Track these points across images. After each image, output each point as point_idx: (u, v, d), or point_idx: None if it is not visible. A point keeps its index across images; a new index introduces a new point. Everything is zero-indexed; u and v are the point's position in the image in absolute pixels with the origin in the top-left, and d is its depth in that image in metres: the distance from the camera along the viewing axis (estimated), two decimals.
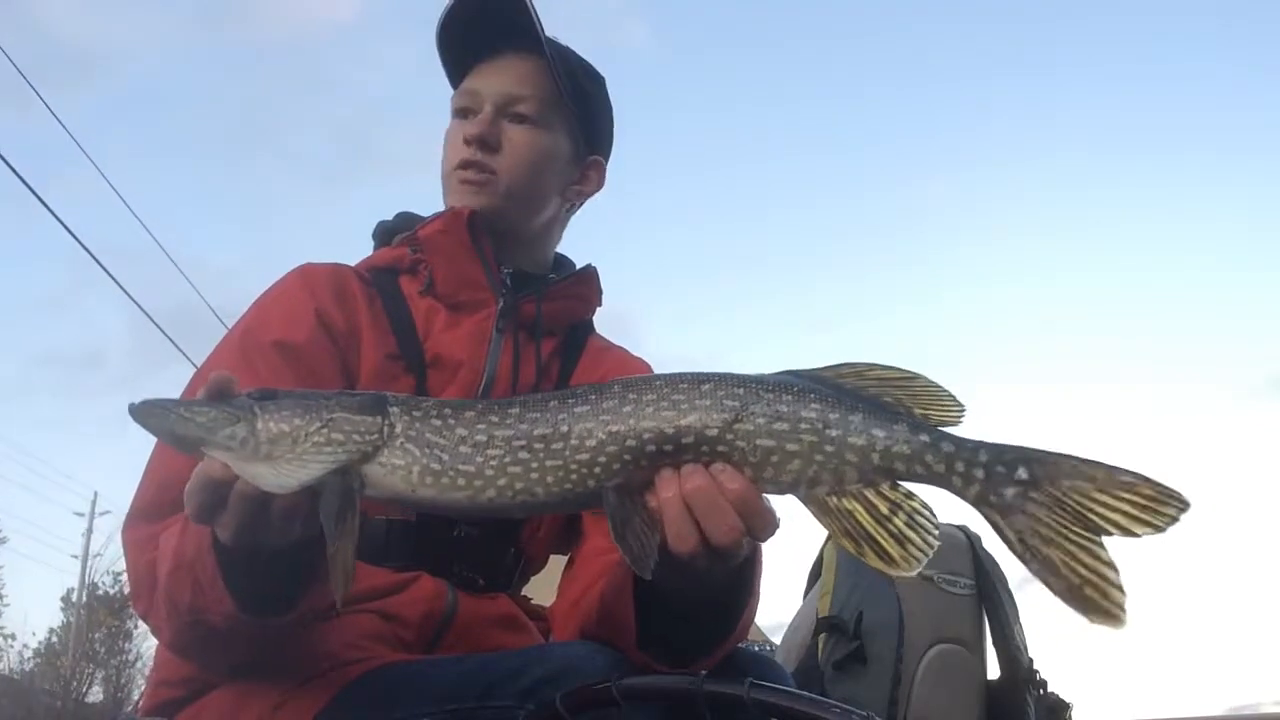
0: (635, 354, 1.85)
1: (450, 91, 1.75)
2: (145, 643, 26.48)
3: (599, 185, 1.84)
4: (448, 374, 1.62)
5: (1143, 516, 1.01)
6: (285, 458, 1.06)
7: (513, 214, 1.70)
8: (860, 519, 1.07)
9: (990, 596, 2.97)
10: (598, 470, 1.09)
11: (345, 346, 1.57)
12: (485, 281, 1.66)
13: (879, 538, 1.06)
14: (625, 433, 1.09)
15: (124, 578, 26.18)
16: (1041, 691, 2.94)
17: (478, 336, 1.64)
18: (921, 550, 1.05)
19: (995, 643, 2.97)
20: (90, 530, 30.36)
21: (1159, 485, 1.01)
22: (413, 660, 1.38)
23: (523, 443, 1.10)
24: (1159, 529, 1.01)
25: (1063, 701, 2.97)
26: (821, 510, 1.09)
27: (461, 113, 1.72)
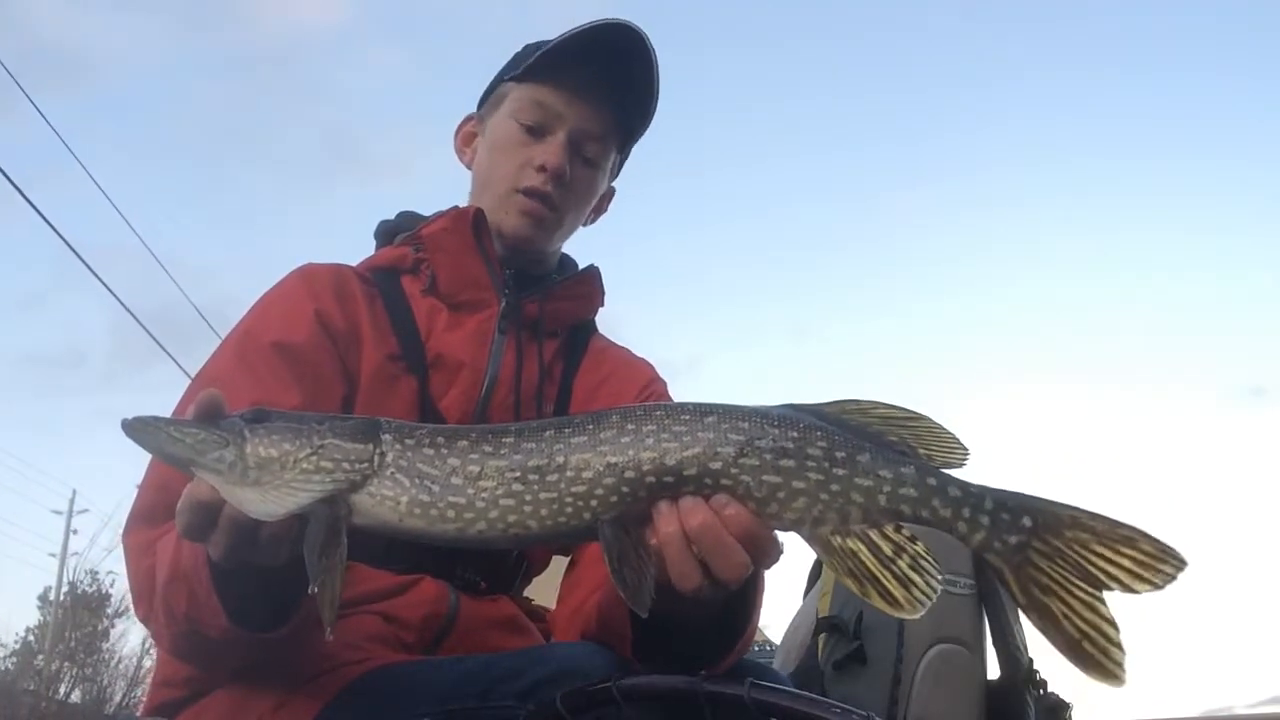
0: (638, 355, 1.85)
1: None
2: (124, 643, 26.43)
3: (606, 211, 1.89)
4: (450, 374, 1.61)
5: (1142, 573, 1.01)
6: (273, 484, 1.05)
7: (549, 245, 1.73)
8: (864, 560, 1.06)
9: (990, 596, 2.97)
10: (594, 503, 1.06)
11: (345, 347, 1.56)
12: (488, 281, 1.65)
13: (883, 579, 1.05)
14: (624, 464, 1.06)
15: (101, 577, 26.11)
16: (1041, 691, 2.94)
17: (480, 337, 1.63)
18: (925, 594, 1.04)
19: (995, 643, 2.97)
20: (69, 529, 30.05)
21: (1158, 542, 1.01)
22: (413, 661, 1.38)
23: (516, 474, 1.07)
24: (1158, 587, 1.01)
25: (1063, 701, 2.97)
26: (825, 549, 1.07)
27: (532, 129, 1.66)
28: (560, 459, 1.07)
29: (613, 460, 1.06)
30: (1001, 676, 2.94)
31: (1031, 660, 2.98)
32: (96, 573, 27.01)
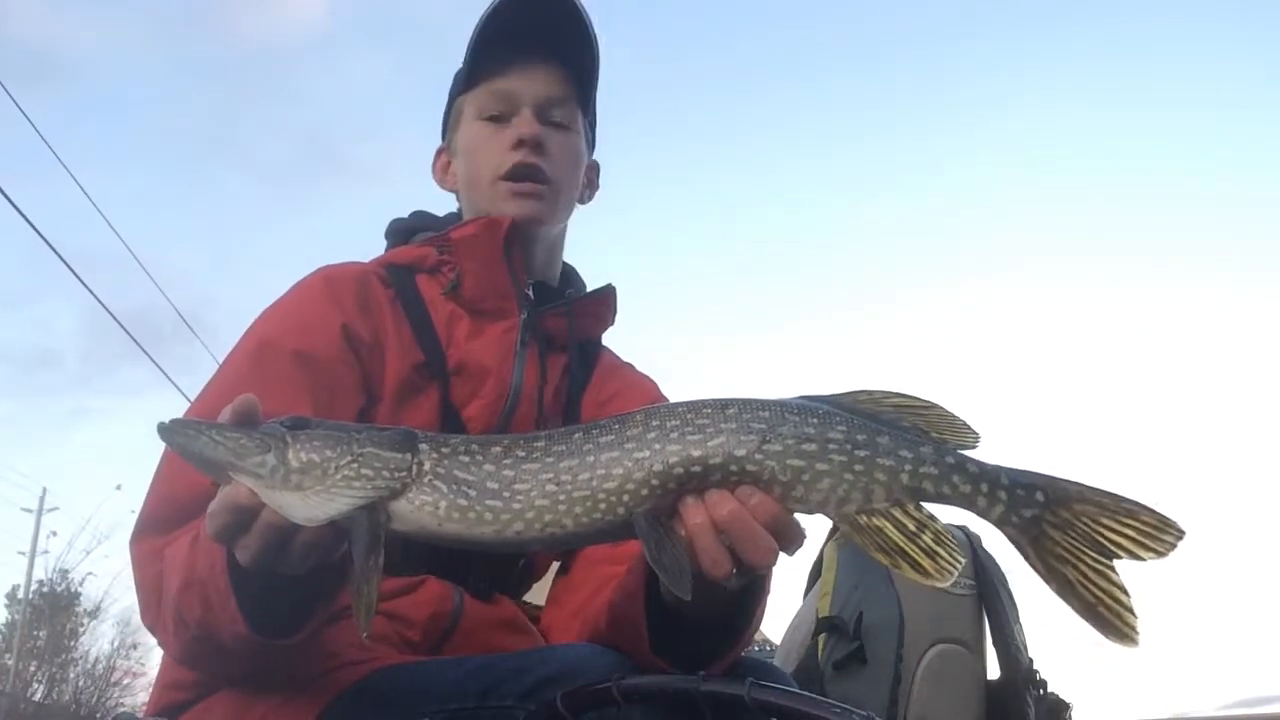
0: (641, 370, 1.87)
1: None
2: (96, 645, 26.31)
3: (598, 188, 1.88)
4: (473, 383, 1.61)
5: (1146, 543, 1.08)
6: (314, 489, 1.07)
7: (550, 222, 1.71)
8: (891, 535, 1.10)
9: (990, 596, 2.97)
10: (626, 498, 1.10)
11: (368, 357, 1.56)
12: (512, 291, 1.65)
13: (911, 552, 1.10)
14: (651, 459, 1.09)
15: (72, 575, 25.96)
16: (1041, 691, 2.94)
17: (504, 347, 1.64)
18: (950, 564, 1.09)
19: (995, 643, 2.97)
20: (39, 526, 29.66)
21: (1158, 514, 1.08)
22: (416, 661, 1.39)
23: (550, 475, 1.10)
24: (1161, 554, 1.08)
25: (1063, 701, 2.98)
26: (853, 528, 1.12)
27: (497, 117, 1.69)
28: (590, 459, 1.11)
29: (640, 456, 1.10)
30: (1001, 676, 2.94)
31: (1031, 660, 2.98)
32: (67, 571, 26.91)
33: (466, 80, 1.74)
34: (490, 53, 1.70)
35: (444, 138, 1.83)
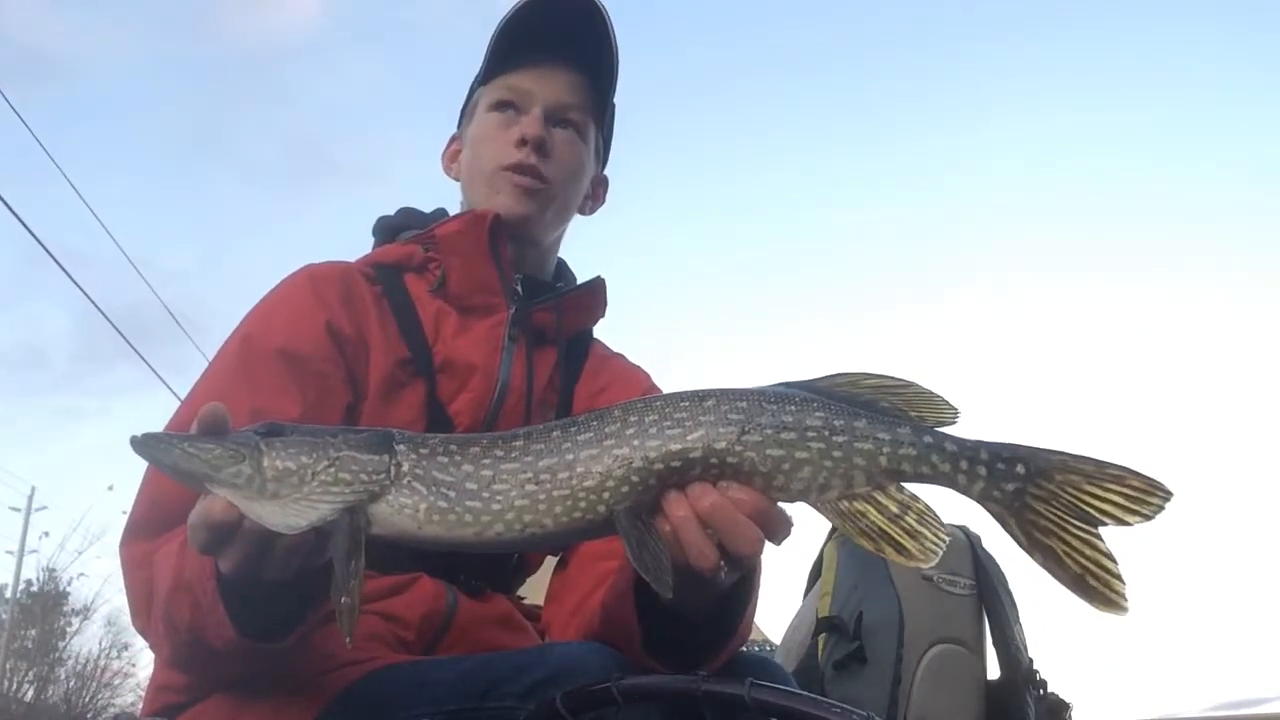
0: (633, 361, 1.87)
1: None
2: (84, 646, 26.18)
3: (603, 202, 1.87)
4: (460, 379, 1.60)
5: (1132, 507, 1.06)
6: (292, 497, 1.05)
7: (545, 224, 1.71)
8: (873, 518, 1.09)
9: (990, 596, 2.97)
10: (606, 496, 1.09)
11: (353, 356, 1.56)
12: (499, 286, 1.64)
13: (893, 534, 1.09)
14: (630, 455, 1.09)
15: (59, 574, 25.86)
16: (1041, 691, 2.94)
17: (491, 343, 1.63)
18: (935, 543, 1.08)
19: (995, 643, 2.97)
20: (27, 525, 28.97)
21: (1144, 477, 1.06)
22: (413, 661, 1.38)
23: (529, 475, 1.09)
24: (1148, 518, 1.06)
25: (1063, 701, 2.98)
26: (835, 514, 1.11)
27: (503, 106, 1.70)
28: (569, 457, 1.09)
29: (619, 453, 1.09)
30: (1001, 676, 2.94)
31: (1031, 660, 2.98)
32: (54, 570, 26.78)
33: (486, 72, 1.74)
34: (513, 49, 1.71)
35: (459, 127, 1.84)
